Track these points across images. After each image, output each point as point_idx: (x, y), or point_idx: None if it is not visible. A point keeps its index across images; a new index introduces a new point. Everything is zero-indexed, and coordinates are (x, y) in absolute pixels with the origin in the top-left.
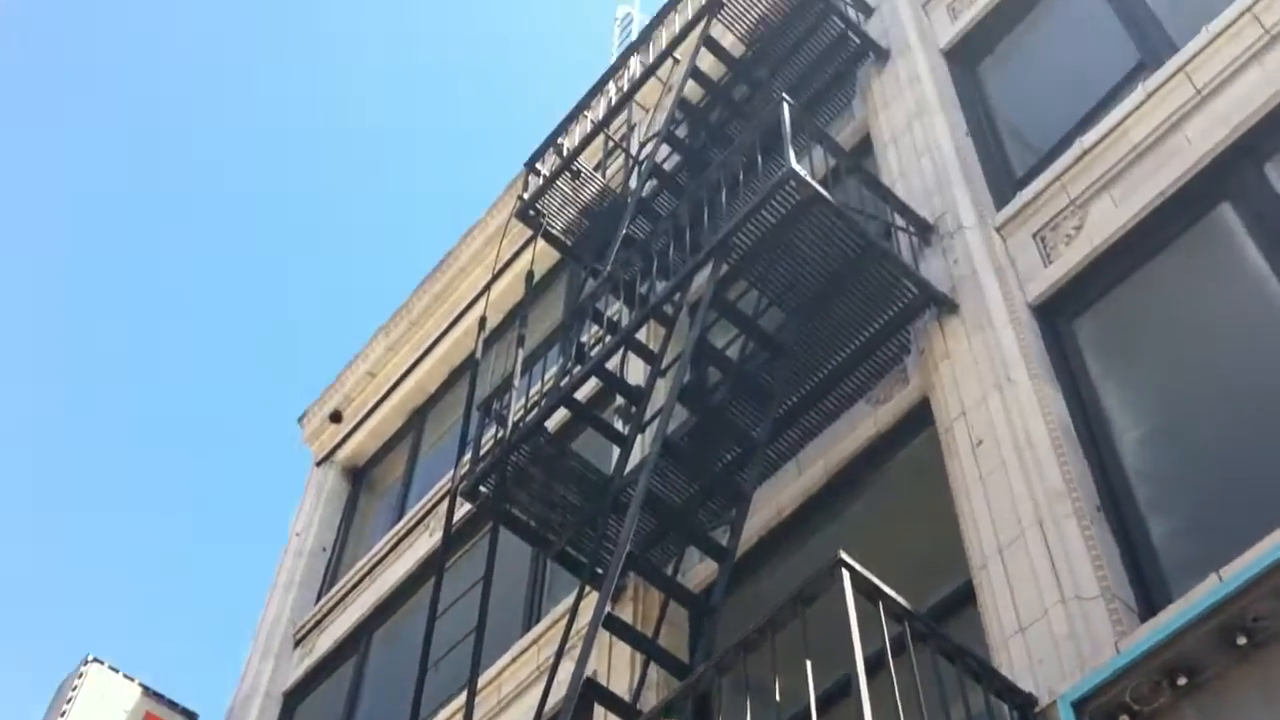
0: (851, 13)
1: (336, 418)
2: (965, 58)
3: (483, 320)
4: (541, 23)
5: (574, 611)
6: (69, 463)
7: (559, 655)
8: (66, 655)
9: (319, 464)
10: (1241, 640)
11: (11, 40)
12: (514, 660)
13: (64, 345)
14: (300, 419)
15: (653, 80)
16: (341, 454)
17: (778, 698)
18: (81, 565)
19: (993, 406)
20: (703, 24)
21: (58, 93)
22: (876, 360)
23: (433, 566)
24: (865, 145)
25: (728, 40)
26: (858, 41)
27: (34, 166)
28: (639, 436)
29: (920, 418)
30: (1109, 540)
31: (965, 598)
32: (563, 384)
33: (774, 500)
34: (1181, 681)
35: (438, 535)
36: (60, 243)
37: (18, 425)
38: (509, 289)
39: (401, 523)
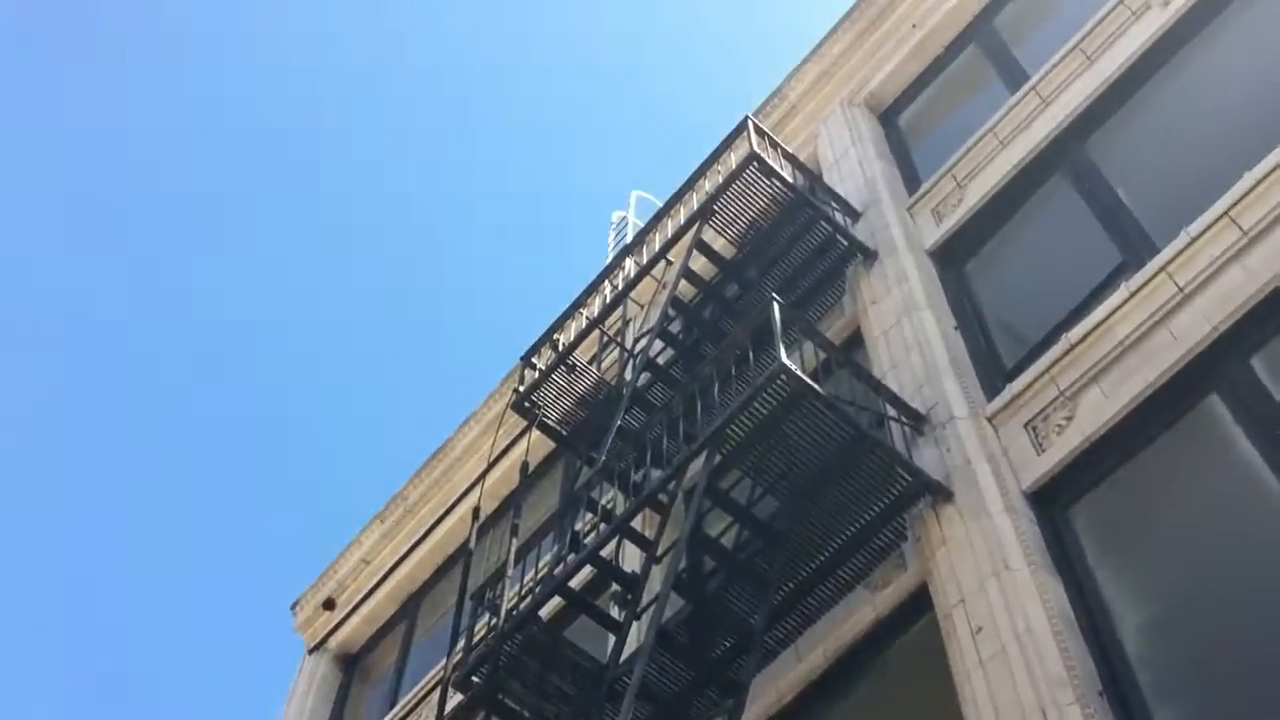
0: (839, 217)
1: (330, 605)
2: (951, 258)
3: (477, 509)
4: (541, 222)
5: None
6: (49, 649)
7: None
8: None
9: (311, 652)
10: None
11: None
12: None
13: (46, 535)
14: (293, 606)
15: (647, 279)
16: (334, 641)
17: None
18: None
19: (991, 594)
20: (694, 229)
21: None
22: (873, 546)
23: None
24: (856, 339)
25: (719, 244)
26: (845, 244)
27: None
28: (634, 624)
29: (919, 604)
30: None
31: None
32: (557, 572)
33: (774, 686)
34: None
35: None
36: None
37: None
38: (504, 478)
39: (393, 712)
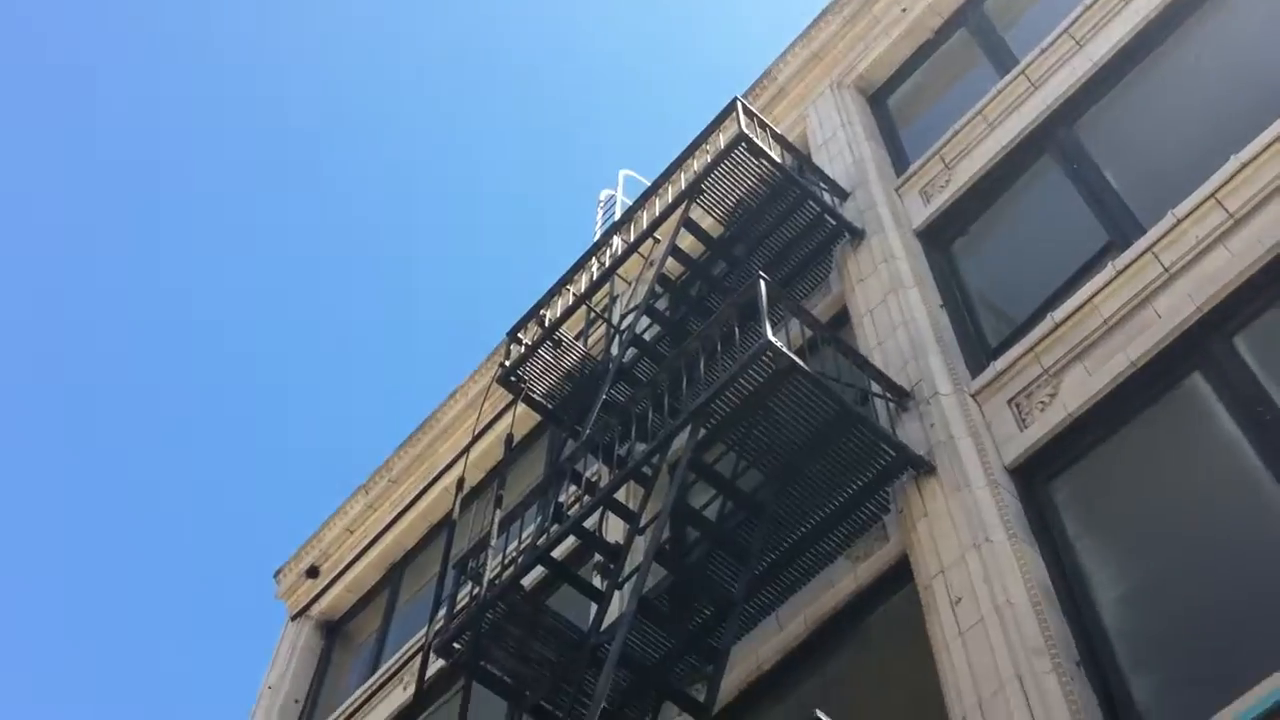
0: (827, 197)
1: (313, 573)
2: (938, 238)
3: (461, 480)
4: (530, 200)
5: None
6: (39, 608)
7: None
8: None
9: (294, 618)
10: None
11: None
12: None
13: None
14: (276, 574)
15: (634, 256)
16: (317, 608)
17: None
18: (50, 704)
19: (971, 565)
20: (683, 208)
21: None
22: (855, 519)
23: None
24: (842, 317)
25: (707, 222)
26: (833, 223)
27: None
28: (616, 593)
29: (900, 575)
30: (1089, 695)
31: None
32: (540, 542)
33: (754, 654)
34: None
35: (412, 689)
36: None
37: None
38: (489, 451)
39: (375, 676)
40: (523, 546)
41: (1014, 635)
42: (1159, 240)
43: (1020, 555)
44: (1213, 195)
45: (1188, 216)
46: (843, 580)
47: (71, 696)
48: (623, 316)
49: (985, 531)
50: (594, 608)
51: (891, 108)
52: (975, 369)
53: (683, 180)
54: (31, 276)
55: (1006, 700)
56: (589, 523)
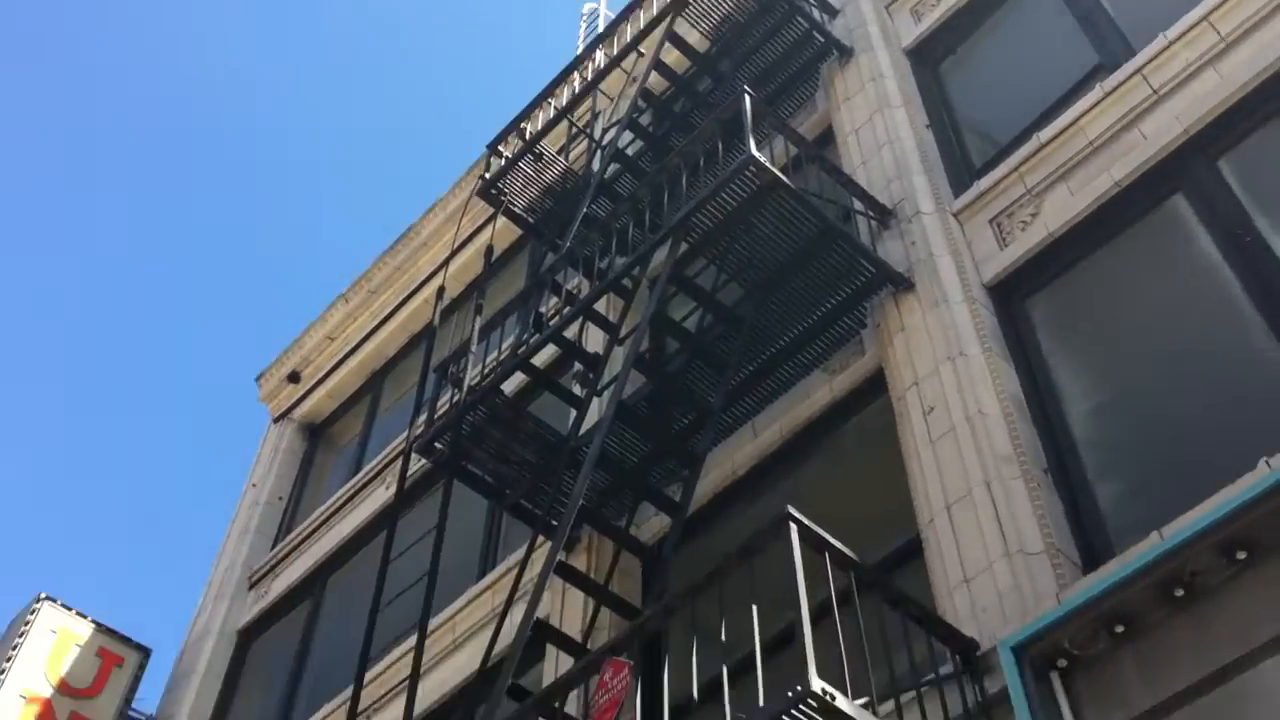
0: (816, 13)
1: (295, 378)
2: (927, 57)
3: (441, 289)
4: (510, 14)
5: (526, 559)
6: (28, 410)
7: (510, 600)
8: (18, 596)
9: (276, 421)
10: (1179, 593)
11: None
12: (469, 604)
13: (31, 298)
14: (258, 378)
15: (617, 71)
16: (299, 412)
17: (723, 637)
18: (36, 509)
19: (945, 377)
20: (667, 20)
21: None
22: (833, 333)
23: (387, 518)
24: (827, 136)
25: (693, 37)
26: (821, 40)
27: None
28: (595, 400)
29: (875, 387)
30: (1055, 501)
31: (912, 553)
32: (520, 349)
33: (729, 461)
34: (1119, 629)
35: (393, 489)
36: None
37: None
38: (469, 264)
39: (357, 477)
40: (503, 356)
41: (984, 444)
42: (1148, 62)
43: (994, 369)
44: (1205, 18)
45: (1179, 39)
46: (818, 392)
47: (63, 492)
48: (604, 131)
49: (961, 345)
50: (573, 414)
51: None
52: (959, 189)
53: None
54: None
55: (974, 505)
56: (569, 332)
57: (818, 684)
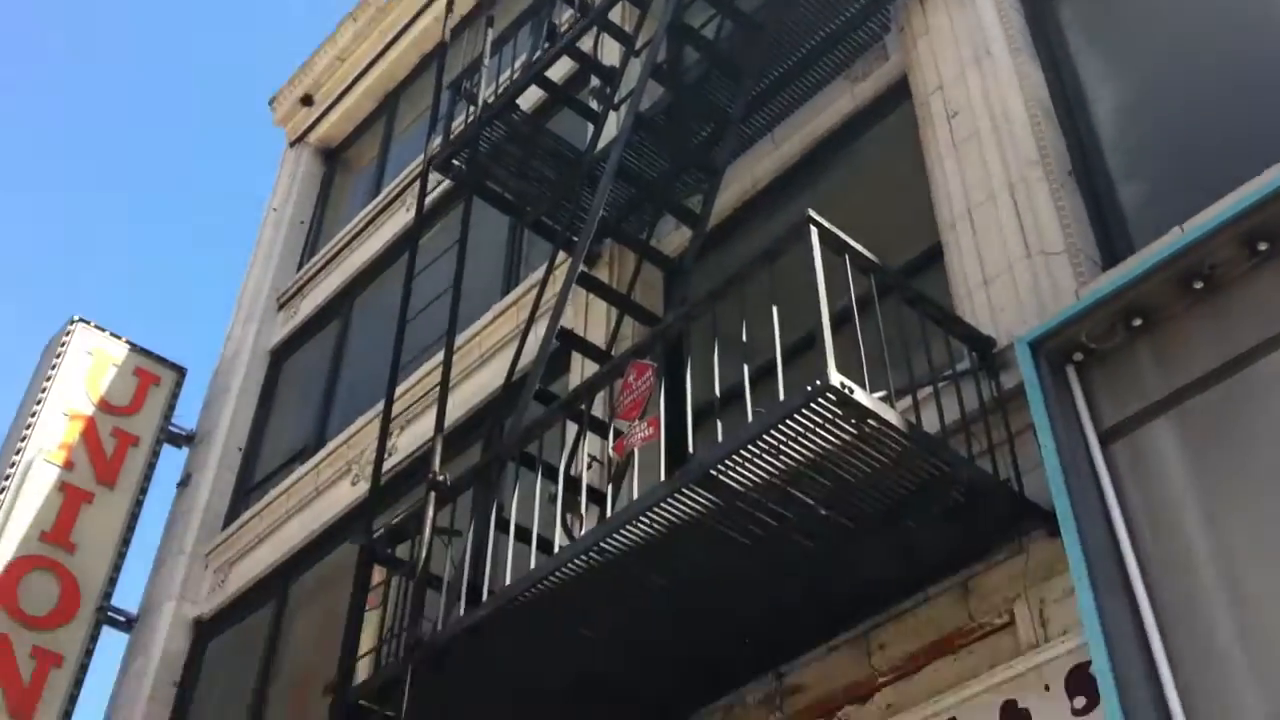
0: None
1: (308, 100)
2: None
3: (450, 2)
4: None
5: (548, 275)
6: (57, 140)
7: (533, 315)
8: (54, 319)
9: (292, 145)
10: (1198, 285)
11: None
12: (495, 319)
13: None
14: (271, 101)
15: None
16: (315, 136)
17: (744, 338)
18: (69, 236)
19: (970, 80)
20: None
21: None
22: (856, 38)
23: (410, 239)
24: None
25: None
26: None
27: None
28: (613, 114)
29: (898, 94)
30: (1078, 203)
31: (933, 260)
32: (535, 61)
33: (750, 172)
34: (1137, 322)
35: (414, 211)
36: None
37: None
38: None
39: (378, 199)
40: (517, 72)
41: (1009, 147)
42: None
43: (1021, 70)
44: None
45: None
46: (840, 100)
47: (90, 220)
48: None
49: (987, 45)
50: (591, 129)
51: None
52: None
53: None
54: None
55: (996, 208)
56: (584, 45)
57: (836, 378)
